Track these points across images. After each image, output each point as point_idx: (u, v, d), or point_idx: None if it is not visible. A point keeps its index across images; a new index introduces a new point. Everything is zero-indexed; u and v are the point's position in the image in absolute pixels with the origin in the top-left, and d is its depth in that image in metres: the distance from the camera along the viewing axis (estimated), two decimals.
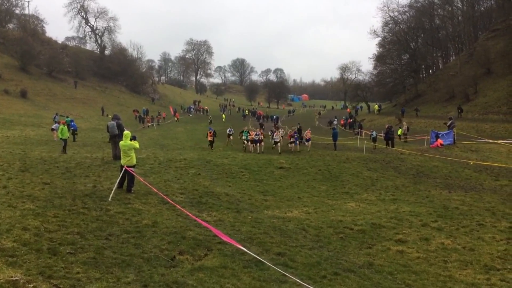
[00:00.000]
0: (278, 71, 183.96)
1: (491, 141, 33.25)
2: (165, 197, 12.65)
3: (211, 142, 29.91)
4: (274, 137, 30.48)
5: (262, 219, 12.35)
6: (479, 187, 18.36)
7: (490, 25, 73.76)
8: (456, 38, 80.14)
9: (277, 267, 8.12)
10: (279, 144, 28.77)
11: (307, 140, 30.31)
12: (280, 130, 33.45)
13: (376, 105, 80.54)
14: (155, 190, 13.09)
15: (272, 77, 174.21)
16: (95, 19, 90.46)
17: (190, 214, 10.81)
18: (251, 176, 19.44)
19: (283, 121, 70.18)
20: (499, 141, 32.24)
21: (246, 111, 79.87)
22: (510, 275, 8.89)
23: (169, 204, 12.28)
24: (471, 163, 23.59)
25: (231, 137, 34.21)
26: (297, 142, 29.02)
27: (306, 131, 31.49)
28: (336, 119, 59.50)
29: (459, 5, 78.97)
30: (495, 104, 51.01)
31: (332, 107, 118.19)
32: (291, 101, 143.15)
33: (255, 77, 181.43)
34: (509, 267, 9.33)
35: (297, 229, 11.56)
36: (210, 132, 30.42)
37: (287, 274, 7.67)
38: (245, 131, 30.50)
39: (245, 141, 29.85)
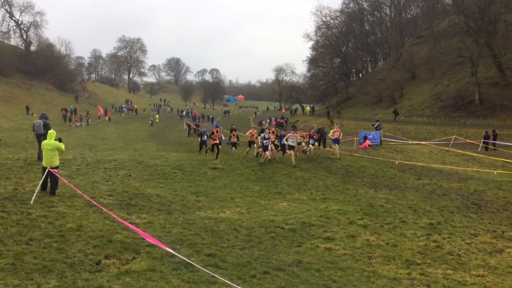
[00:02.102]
0: (214, 71, 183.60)
1: (415, 142, 35.09)
2: (90, 199, 12.17)
3: (216, 146, 24.56)
4: (287, 140, 23.85)
5: (194, 220, 12.22)
6: (403, 185, 19.27)
7: (416, 32, 77.99)
8: (384, 43, 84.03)
9: (207, 268, 8.05)
10: (292, 151, 23.48)
11: (335, 142, 26.39)
12: (297, 132, 27.08)
13: (309, 107, 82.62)
14: (80, 192, 12.56)
15: (208, 77, 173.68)
16: (20, 13, 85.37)
17: (116, 217, 10.46)
18: (184, 177, 19.20)
19: (218, 121, 70.14)
20: (422, 142, 34.09)
21: (184, 112, 78.99)
22: (429, 269, 9.39)
23: (97, 207, 11.83)
24: (396, 162, 24.73)
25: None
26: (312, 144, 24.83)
27: (334, 129, 27.27)
28: (269, 120, 60.45)
29: (387, 11, 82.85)
30: (419, 107, 53.98)
31: (267, 108, 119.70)
32: (227, 101, 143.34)
33: (190, 77, 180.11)
34: (428, 261, 9.85)
35: (229, 229, 11.55)
36: (218, 132, 25.27)
37: (216, 275, 7.63)
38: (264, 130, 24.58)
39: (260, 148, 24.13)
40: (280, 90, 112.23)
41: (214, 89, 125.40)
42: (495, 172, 22.88)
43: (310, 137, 24.86)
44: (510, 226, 12.40)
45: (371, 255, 10.15)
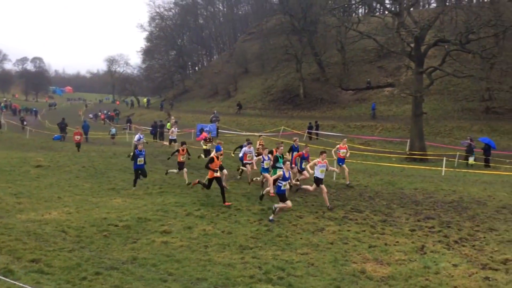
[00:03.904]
0: (36, 60, 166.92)
1: (248, 133, 36.88)
2: None
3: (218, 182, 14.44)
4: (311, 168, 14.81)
5: (14, 224, 10.97)
6: (238, 175, 20.06)
7: (247, 28, 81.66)
8: (218, 38, 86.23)
9: (30, 275, 7.30)
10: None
11: (340, 162, 18.05)
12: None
13: (145, 99, 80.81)
14: None
15: (29, 66, 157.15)
16: None
17: None
18: (2, 177, 17.15)
19: (43, 115, 64.22)
20: (255, 134, 35.96)
21: (1, 104, 70.20)
22: (260, 252, 9.92)
23: None
24: (233, 154, 25.62)
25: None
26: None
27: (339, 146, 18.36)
28: (100, 113, 57.72)
29: (220, 7, 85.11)
30: (252, 100, 56.80)
31: (100, 101, 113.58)
32: (53, 93, 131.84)
33: (9, 65, 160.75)
34: (260, 245, 10.41)
35: (55, 231, 10.63)
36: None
37: (41, 281, 6.96)
38: (280, 159, 15.16)
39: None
40: (113, 82, 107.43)
41: (37, 80, 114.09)
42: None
43: (304, 158, 16.57)
44: (335, 210, 13.75)
45: (207, 244, 10.33)
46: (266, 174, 15.73)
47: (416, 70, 30.83)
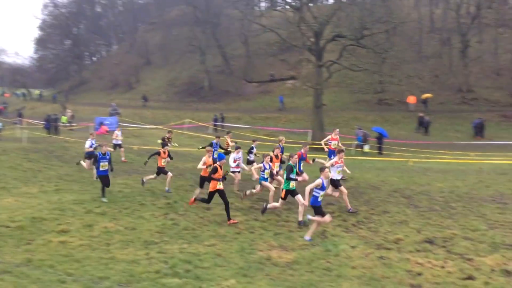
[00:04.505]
0: None
1: (152, 126, 35.96)
2: None
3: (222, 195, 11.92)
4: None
5: None
6: (141, 169, 19.45)
7: (149, 18, 79.32)
8: (117, 27, 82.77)
9: None
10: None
11: (331, 154, 16.75)
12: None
13: (38, 91, 75.36)
14: None
15: None
16: None
17: None
18: None
19: None
20: (159, 127, 35.20)
21: None
22: (166, 246, 9.71)
23: None
24: (136, 148, 24.83)
25: None
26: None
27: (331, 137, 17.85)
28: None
29: None
30: (155, 92, 55.48)
31: None
32: None
33: None
34: (165, 239, 10.18)
35: None
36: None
37: None
38: (295, 169, 12.31)
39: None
40: (1, 73, 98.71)
41: None
42: (222, 150, 25.33)
43: (303, 158, 15.05)
44: (236, 198, 13.83)
45: (109, 242, 9.89)
46: (267, 184, 13.33)
47: (316, 64, 32.08)
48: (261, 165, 13.32)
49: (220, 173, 11.73)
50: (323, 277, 8.26)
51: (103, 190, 13.57)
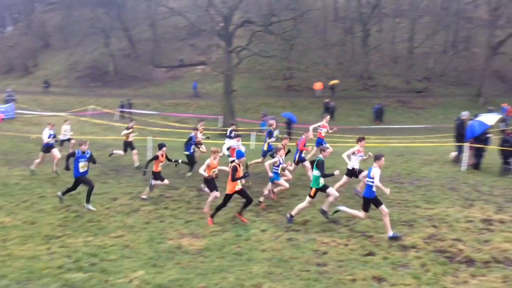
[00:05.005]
0: None
1: (52, 114, 33.76)
2: None
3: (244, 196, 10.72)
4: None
5: None
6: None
7: None
8: (12, 7, 76.30)
9: None
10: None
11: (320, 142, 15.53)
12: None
13: None
14: None
15: None
16: None
17: None
18: None
19: None
20: (60, 114, 33.11)
21: None
22: (69, 240, 9.22)
23: None
24: (33, 137, 23.19)
25: None
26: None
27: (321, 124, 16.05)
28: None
29: None
30: (56, 77, 52.02)
31: None
32: None
33: None
34: (68, 232, 9.66)
35: None
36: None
37: None
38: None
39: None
40: None
41: None
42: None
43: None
44: (145, 187, 13.44)
45: (6, 238, 9.20)
46: (281, 181, 12.01)
47: (225, 49, 32.03)
48: (276, 159, 11.83)
49: (240, 172, 10.45)
50: (234, 262, 8.32)
51: (88, 195, 11.32)
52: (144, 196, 12.33)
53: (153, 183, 12.45)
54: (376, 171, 9.23)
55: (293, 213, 10.51)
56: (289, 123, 28.94)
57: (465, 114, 17.21)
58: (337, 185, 11.84)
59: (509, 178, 14.68)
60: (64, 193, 11.67)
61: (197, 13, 37.24)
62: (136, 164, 16.49)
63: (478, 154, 15.88)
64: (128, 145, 16.97)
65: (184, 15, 34.34)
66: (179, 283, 7.45)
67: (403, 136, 26.15)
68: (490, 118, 16.72)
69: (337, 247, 8.97)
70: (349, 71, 46.74)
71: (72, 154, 11.52)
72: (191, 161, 15.49)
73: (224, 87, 32.44)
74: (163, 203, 12.01)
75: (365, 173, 10.69)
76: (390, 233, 9.21)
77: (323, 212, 10.54)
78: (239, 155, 10.72)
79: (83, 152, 11.50)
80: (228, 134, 16.27)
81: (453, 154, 17.17)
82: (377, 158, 9.47)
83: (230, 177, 10.25)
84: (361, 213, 9.59)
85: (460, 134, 16.61)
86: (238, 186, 10.46)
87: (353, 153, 11.83)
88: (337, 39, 50.67)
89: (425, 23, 48.77)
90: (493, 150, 15.95)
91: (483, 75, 42.91)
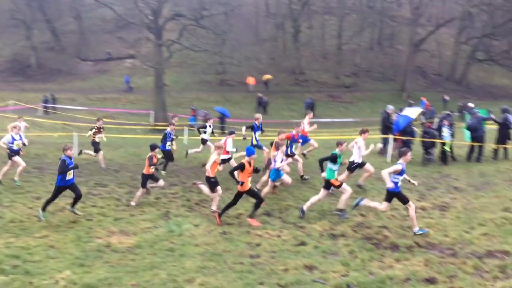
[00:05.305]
0: None
1: None
2: None
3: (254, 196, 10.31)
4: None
5: None
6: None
7: None
8: None
9: None
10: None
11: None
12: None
13: None
14: None
15: None
16: None
17: None
18: None
19: None
20: None
21: None
22: None
23: None
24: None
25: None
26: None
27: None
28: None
29: None
30: None
31: None
32: None
33: None
34: None
35: None
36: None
37: None
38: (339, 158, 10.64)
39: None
40: None
41: None
42: (56, 135, 23.37)
43: (294, 140, 13.55)
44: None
45: None
46: (285, 178, 11.76)
47: (155, 43, 31.33)
48: (278, 156, 11.34)
49: (249, 170, 9.94)
50: (166, 258, 8.14)
51: (74, 202, 10.16)
52: (133, 203, 11.32)
53: (148, 187, 11.51)
54: (397, 166, 9.12)
55: (304, 206, 10.29)
56: (222, 118, 28.89)
57: (390, 108, 18.02)
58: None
59: (430, 167, 15.57)
60: (44, 208, 10.10)
61: (125, 6, 36.12)
62: (103, 165, 15.61)
63: (404, 146, 16.66)
64: (96, 145, 15.90)
65: (111, 7, 33.14)
66: (108, 282, 7.18)
67: (333, 129, 26.96)
68: (413, 112, 17.62)
69: (270, 238, 9.05)
70: (281, 66, 47.45)
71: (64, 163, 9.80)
72: (168, 158, 14.89)
73: (155, 81, 31.74)
74: (91, 201, 11.51)
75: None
76: (416, 229, 9.11)
77: (340, 211, 10.25)
78: (250, 152, 10.21)
79: (70, 158, 10.04)
80: (206, 129, 16.18)
81: (379, 145, 17.92)
82: (403, 154, 9.39)
83: (241, 175, 9.83)
84: (383, 205, 9.46)
85: (386, 127, 17.37)
86: (249, 185, 10.02)
87: (359, 147, 11.71)
88: (269, 34, 51.24)
89: (352, 21, 50.55)
90: (416, 141, 16.82)
91: (406, 71, 45.23)
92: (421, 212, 10.47)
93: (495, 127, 17.21)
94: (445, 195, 11.96)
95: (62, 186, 9.99)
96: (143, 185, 11.27)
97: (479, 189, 12.56)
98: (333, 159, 10.20)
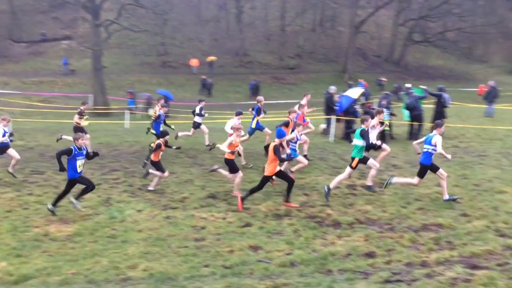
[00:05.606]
0: None
1: None
2: None
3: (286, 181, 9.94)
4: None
5: None
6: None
7: None
8: None
9: None
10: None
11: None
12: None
13: None
14: None
15: None
16: None
17: None
18: None
19: None
20: None
21: None
22: None
23: None
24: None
25: None
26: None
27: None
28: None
29: None
30: None
31: None
32: None
33: None
34: None
35: None
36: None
37: None
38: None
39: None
40: None
41: None
42: None
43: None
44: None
45: None
46: (300, 158, 11.48)
47: (92, 23, 30.08)
48: (294, 135, 10.96)
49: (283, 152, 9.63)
50: (107, 245, 7.93)
51: (83, 193, 9.45)
52: (151, 188, 10.96)
53: (150, 171, 11.11)
54: (438, 138, 9.48)
55: (331, 185, 10.09)
56: (166, 100, 28.27)
57: (332, 89, 18.32)
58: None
59: None
60: (55, 203, 9.33)
61: None
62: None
63: (348, 126, 17.02)
64: (80, 131, 14.86)
65: None
66: (47, 271, 6.92)
67: (278, 110, 27.12)
68: (354, 92, 18.00)
69: (215, 221, 9.03)
70: (224, 48, 47.03)
71: (67, 152, 9.15)
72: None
73: (93, 63, 30.54)
74: (27, 189, 10.98)
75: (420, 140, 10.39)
76: (446, 196, 9.64)
77: (369, 188, 10.56)
78: (280, 134, 9.96)
79: (80, 149, 9.34)
80: (198, 112, 15.72)
81: (322, 126, 18.24)
82: (438, 125, 9.81)
83: (271, 158, 9.49)
84: (415, 180, 9.88)
85: (329, 108, 17.66)
86: (279, 167, 9.81)
87: (373, 126, 11.43)
88: (211, 15, 50.57)
89: (295, 2, 50.77)
90: (358, 121, 17.24)
91: (347, 52, 46.15)
92: (361, 190, 10.81)
93: (431, 106, 17.96)
94: (384, 172, 12.39)
95: (78, 178, 9.28)
96: (161, 170, 10.93)
97: (416, 166, 13.11)
98: (366, 135, 10.14)
